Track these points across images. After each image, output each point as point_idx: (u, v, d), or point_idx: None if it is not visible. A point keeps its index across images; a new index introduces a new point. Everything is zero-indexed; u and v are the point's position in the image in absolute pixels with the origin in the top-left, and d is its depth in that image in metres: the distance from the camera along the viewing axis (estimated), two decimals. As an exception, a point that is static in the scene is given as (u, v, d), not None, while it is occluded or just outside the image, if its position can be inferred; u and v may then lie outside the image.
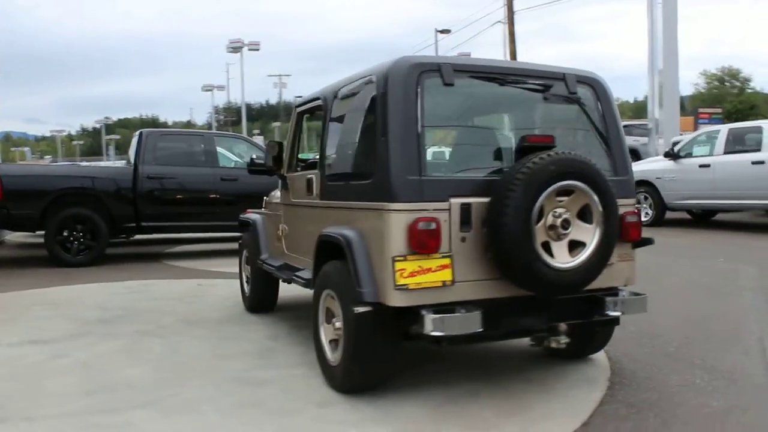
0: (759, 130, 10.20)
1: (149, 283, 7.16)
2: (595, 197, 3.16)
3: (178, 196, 8.86)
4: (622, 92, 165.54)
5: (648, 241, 3.63)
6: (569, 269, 3.13)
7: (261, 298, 5.53)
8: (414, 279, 3.05)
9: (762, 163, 9.89)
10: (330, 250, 3.65)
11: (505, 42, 31.18)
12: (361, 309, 3.20)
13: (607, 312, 3.41)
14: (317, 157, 4.99)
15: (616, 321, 3.51)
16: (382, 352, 3.33)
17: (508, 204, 2.99)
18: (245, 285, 5.81)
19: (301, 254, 4.42)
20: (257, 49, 40.42)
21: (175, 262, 9.01)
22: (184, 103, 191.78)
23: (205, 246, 10.74)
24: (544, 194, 3.03)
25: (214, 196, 9.02)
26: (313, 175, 4.13)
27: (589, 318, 3.45)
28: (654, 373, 3.81)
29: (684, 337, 4.52)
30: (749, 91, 62.27)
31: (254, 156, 9.29)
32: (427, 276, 3.07)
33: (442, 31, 38.88)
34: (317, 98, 4.22)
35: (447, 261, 3.10)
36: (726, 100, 52.61)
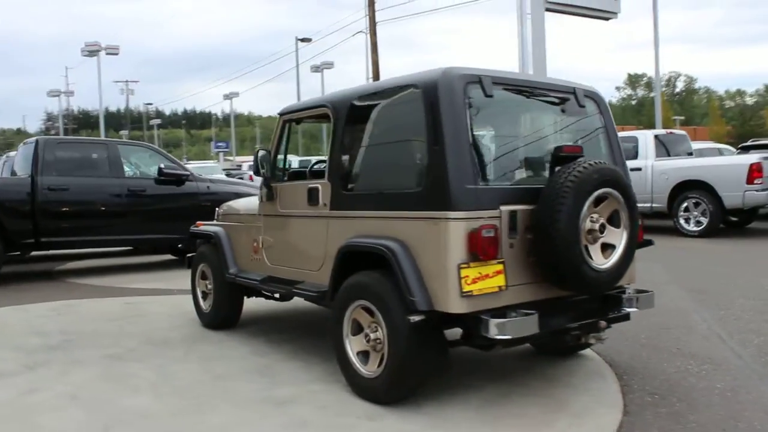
0: (635, 140, 11.37)
1: (73, 303, 6.52)
2: (623, 203, 3.42)
3: (84, 209, 8.13)
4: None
5: (649, 243, 3.97)
6: (605, 270, 3.36)
7: (225, 314, 5.27)
8: (476, 285, 3.12)
9: (639, 170, 11.02)
10: (358, 261, 3.61)
11: (367, 52, 31.90)
12: (416, 318, 3.20)
13: (623, 308, 3.69)
14: (317, 166, 4.92)
15: (628, 317, 3.79)
16: (432, 360, 3.36)
17: (561, 210, 3.15)
18: (201, 301, 5.51)
19: (297, 266, 4.29)
20: (116, 53, 37.78)
21: (79, 279, 8.25)
22: (13, 109, 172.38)
23: (100, 261, 9.94)
24: (589, 201, 3.24)
25: (122, 208, 8.40)
26: (318, 184, 4.04)
27: (606, 315, 3.70)
28: (646, 362, 4.16)
29: (645, 328, 4.96)
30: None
31: (163, 165, 8.83)
32: (486, 282, 3.15)
33: (302, 40, 38.88)
34: (322, 105, 4.13)
35: (501, 267, 3.20)
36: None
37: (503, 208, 3.24)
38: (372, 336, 3.51)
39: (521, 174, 3.54)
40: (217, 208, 5.75)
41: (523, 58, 17.96)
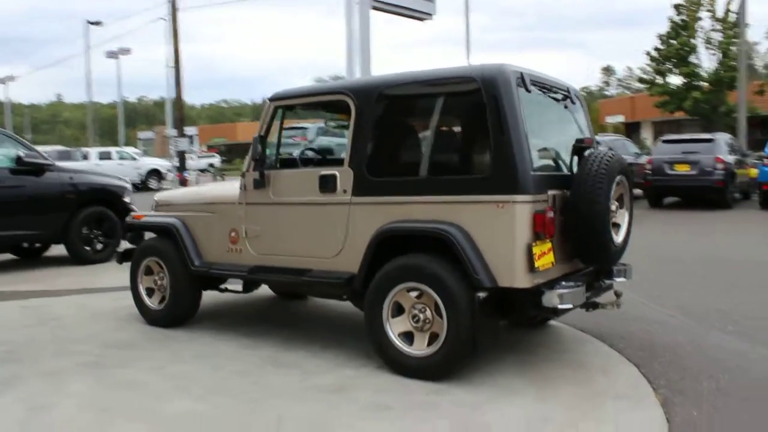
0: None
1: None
2: (627, 187, 3.98)
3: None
4: (238, 94, 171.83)
5: None
6: (619, 245, 3.89)
7: (183, 310, 4.92)
8: (541, 261, 3.44)
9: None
10: (392, 247, 3.71)
11: (168, 39, 30.12)
12: (482, 294, 3.43)
13: (614, 279, 4.25)
14: (307, 153, 4.81)
15: (612, 286, 4.37)
16: (489, 335, 3.60)
17: (599, 194, 3.59)
18: (146, 299, 5.07)
19: (301, 255, 4.21)
20: None
21: None
22: None
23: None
24: (614, 185, 3.73)
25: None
26: (336, 171, 4.02)
27: (600, 285, 4.23)
28: (614, 327, 4.73)
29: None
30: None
31: (22, 153, 7.79)
32: (544, 258, 3.49)
33: (93, 23, 35.57)
34: (338, 92, 4.10)
35: (550, 245, 3.56)
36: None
37: (550, 192, 3.59)
38: (421, 316, 3.65)
39: (550, 162, 3.91)
40: (155, 198, 5.34)
41: (350, 55, 18.46)
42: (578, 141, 3.88)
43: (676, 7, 26.46)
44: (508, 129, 3.43)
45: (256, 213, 4.45)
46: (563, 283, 3.62)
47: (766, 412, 3.29)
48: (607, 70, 66.66)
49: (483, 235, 3.49)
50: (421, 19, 21.57)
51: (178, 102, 27.43)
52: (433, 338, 3.65)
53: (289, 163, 4.60)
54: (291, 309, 5.59)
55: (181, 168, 27.09)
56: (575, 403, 3.32)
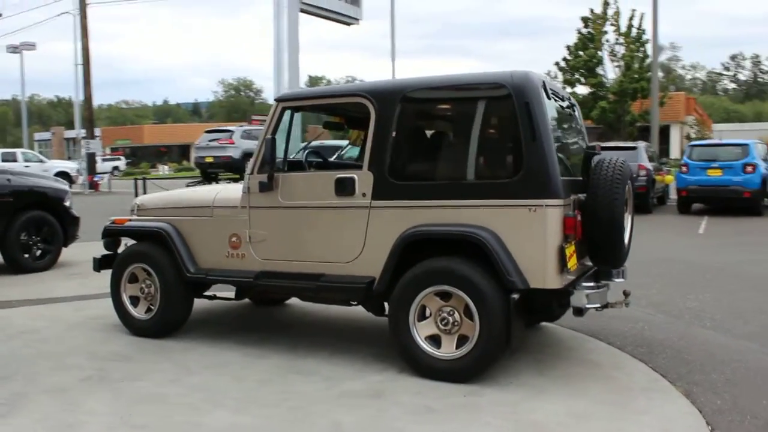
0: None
1: None
2: (631, 192, 4.19)
3: None
4: (139, 95, 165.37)
5: None
6: (627, 245, 4.09)
7: (174, 318, 4.69)
8: (570, 263, 3.57)
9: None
10: (420, 249, 3.74)
11: (76, 36, 28.58)
12: (517, 296, 3.51)
13: (613, 279, 4.45)
14: (312, 157, 4.72)
15: (609, 286, 4.57)
16: (519, 335, 3.68)
17: (617, 198, 3.76)
18: (130, 308, 4.80)
19: (314, 260, 4.14)
20: None
21: None
22: None
23: None
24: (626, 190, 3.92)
25: None
26: (354, 174, 3.99)
27: (601, 285, 4.42)
28: (601, 326, 4.93)
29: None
30: (259, 101, 72.32)
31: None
32: (572, 260, 3.62)
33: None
34: (354, 95, 4.06)
35: (574, 247, 3.70)
36: (241, 108, 59.18)
37: (573, 196, 3.73)
38: (450, 319, 3.69)
39: (567, 167, 4.05)
40: (136, 202, 5.07)
41: (278, 57, 18.21)
42: (589, 147, 4.05)
43: (584, 20, 27.95)
44: (539, 135, 3.54)
45: (262, 217, 4.33)
46: (586, 284, 3.78)
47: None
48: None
49: (514, 238, 3.57)
50: (347, 24, 21.77)
51: (87, 102, 26.11)
52: (461, 341, 3.70)
53: (294, 166, 4.51)
54: (275, 315, 5.47)
55: (91, 170, 25.75)
56: (609, 399, 3.46)
